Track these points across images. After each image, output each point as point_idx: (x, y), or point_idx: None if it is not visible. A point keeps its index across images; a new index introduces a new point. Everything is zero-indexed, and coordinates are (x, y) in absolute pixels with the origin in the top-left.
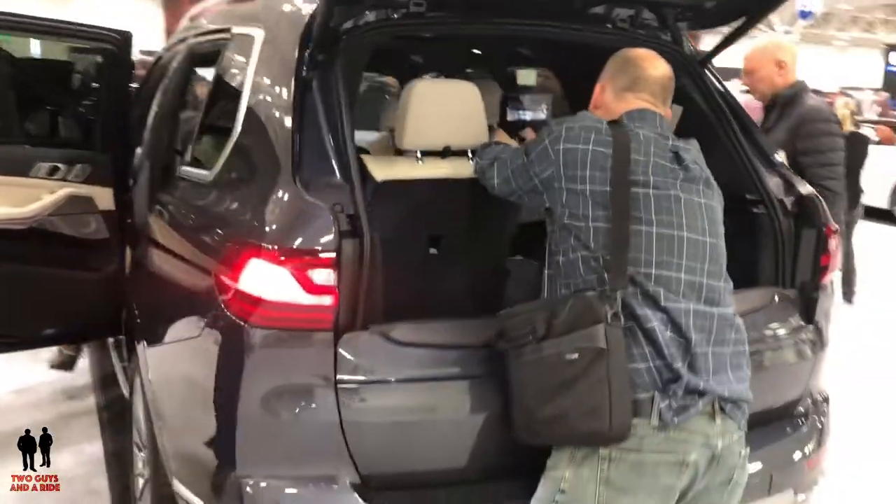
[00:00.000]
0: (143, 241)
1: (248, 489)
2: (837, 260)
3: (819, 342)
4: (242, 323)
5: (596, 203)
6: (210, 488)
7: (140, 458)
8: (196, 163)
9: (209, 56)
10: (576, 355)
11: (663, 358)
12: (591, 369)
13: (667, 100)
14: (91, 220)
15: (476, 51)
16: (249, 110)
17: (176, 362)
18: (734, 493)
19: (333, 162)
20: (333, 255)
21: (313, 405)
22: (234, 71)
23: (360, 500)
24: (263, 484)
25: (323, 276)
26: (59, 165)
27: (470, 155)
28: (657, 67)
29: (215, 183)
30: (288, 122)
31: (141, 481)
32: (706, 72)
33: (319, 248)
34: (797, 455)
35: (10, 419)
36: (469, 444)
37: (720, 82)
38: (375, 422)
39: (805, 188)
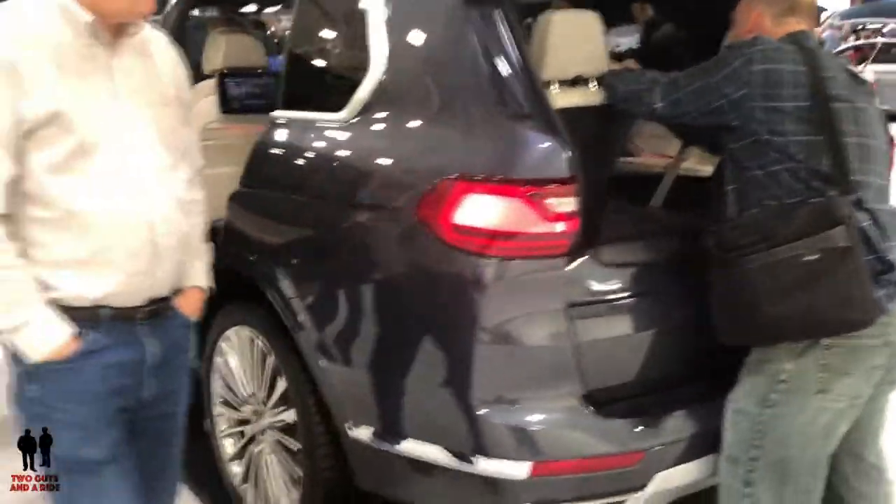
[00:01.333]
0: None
1: (485, 419)
2: None
3: None
4: (477, 257)
5: (797, 118)
6: (434, 426)
7: (225, 418)
8: (296, 105)
9: None
10: (817, 256)
11: (875, 253)
12: (837, 266)
13: (815, 23)
14: None
15: None
16: (394, 47)
17: (365, 308)
18: None
19: (523, 91)
20: (572, 182)
21: (548, 329)
22: (340, 7)
23: (593, 414)
24: (500, 412)
25: (561, 203)
26: None
27: (595, 83)
28: None
29: (359, 124)
30: (470, 54)
31: (229, 442)
32: None
33: (558, 177)
34: None
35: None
36: (672, 352)
37: None
38: (599, 339)
39: None
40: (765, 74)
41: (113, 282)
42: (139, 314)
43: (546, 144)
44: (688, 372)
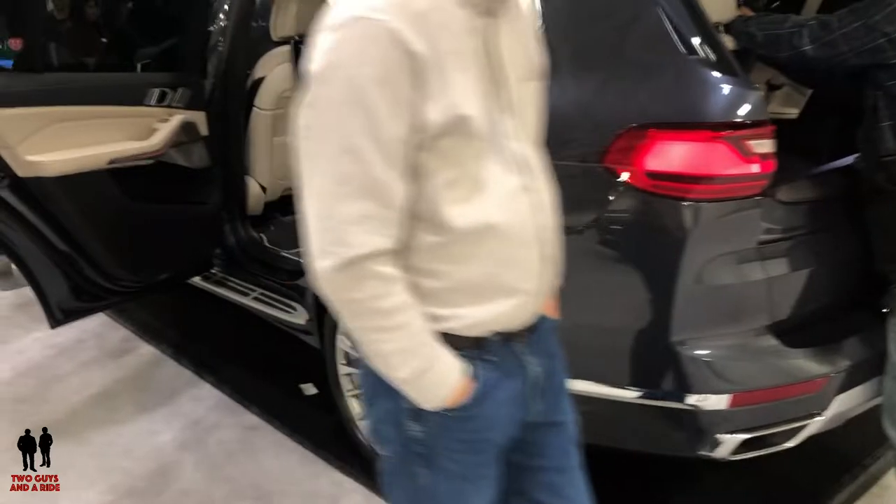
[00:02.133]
0: None
1: (685, 356)
2: None
3: None
4: (676, 201)
5: None
6: (630, 366)
7: (351, 378)
8: None
9: None
10: None
11: None
12: None
13: None
14: (196, 147)
15: None
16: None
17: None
18: None
19: (701, 35)
20: (768, 123)
21: (743, 267)
22: None
23: (782, 345)
24: (699, 348)
25: (758, 145)
26: (167, 91)
27: (723, 30)
28: None
29: None
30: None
31: (357, 402)
32: None
33: (758, 120)
34: None
35: (90, 381)
36: (837, 283)
37: None
38: (781, 274)
39: None
40: None
41: (513, 304)
42: (522, 332)
43: (736, 87)
44: (850, 301)
